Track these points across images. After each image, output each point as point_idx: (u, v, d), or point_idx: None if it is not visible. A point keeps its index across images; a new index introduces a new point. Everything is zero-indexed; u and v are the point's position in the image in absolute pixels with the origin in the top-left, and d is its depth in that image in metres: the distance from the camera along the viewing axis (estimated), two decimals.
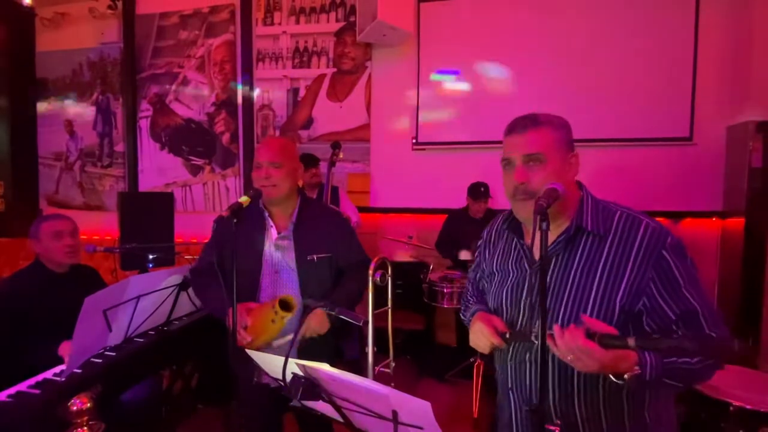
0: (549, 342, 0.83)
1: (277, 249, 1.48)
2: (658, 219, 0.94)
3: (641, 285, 0.87)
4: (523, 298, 0.99)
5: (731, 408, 1.56)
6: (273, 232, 1.49)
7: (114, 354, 1.63)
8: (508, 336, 0.97)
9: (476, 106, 3.59)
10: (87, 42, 4.35)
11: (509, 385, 1.03)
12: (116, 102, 4.33)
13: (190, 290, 1.87)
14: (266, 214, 1.50)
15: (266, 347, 1.41)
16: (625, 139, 3.32)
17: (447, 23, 3.62)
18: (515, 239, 1.05)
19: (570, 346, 0.79)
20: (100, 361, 1.56)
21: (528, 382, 0.98)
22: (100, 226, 4.25)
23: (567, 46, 3.38)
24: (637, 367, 0.81)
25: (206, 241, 1.63)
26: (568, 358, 0.80)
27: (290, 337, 1.38)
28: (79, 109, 4.42)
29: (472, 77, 3.59)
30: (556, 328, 0.82)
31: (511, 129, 0.99)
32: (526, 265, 1.00)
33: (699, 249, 3.22)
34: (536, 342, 0.90)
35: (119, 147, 4.34)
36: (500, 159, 1.01)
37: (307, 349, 1.46)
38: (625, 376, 0.81)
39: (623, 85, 3.30)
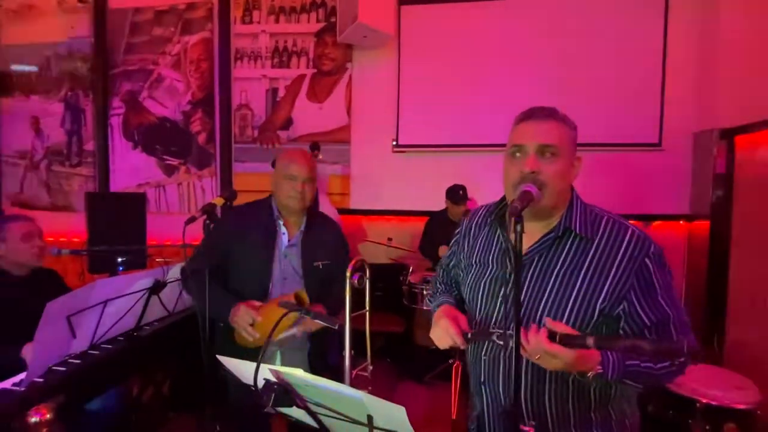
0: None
1: (285, 256, 1.53)
2: (629, 222, 0.96)
3: (623, 291, 0.89)
4: (501, 293, 0.98)
5: (698, 405, 1.62)
6: (284, 240, 1.54)
7: (79, 361, 1.56)
8: (469, 336, 0.96)
9: (456, 110, 3.62)
10: (55, 36, 4.17)
11: (482, 379, 1.02)
12: (86, 99, 4.17)
13: (162, 294, 1.81)
14: (281, 222, 1.55)
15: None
16: (598, 144, 3.41)
17: (428, 27, 3.64)
18: (499, 232, 1.03)
19: (535, 348, 0.81)
20: (64, 369, 1.49)
21: (501, 378, 0.98)
22: (68, 228, 4.08)
23: (543, 52, 3.46)
24: (599, 366, 0.83)
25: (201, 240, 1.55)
26: (536, 357, 0.82)
27: (294, 330, 1.42)
28: (46, 106, 4.23)
29: (452, 81, 3.62)
30: (522, 330, 0.83)
31: (528, 115, 0.96)
32: (508, 260, 0.98)
33: (667, 251, 3.29)
34: (497, 342, 0.91)
35: (89, 146, 4.17)
36: (509, 145, 0.97)
37: (315, 354, 1.55)
38: (589, 374, 0.84)
39: (596, 91, 3.40)
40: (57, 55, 4.19)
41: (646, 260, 0.90)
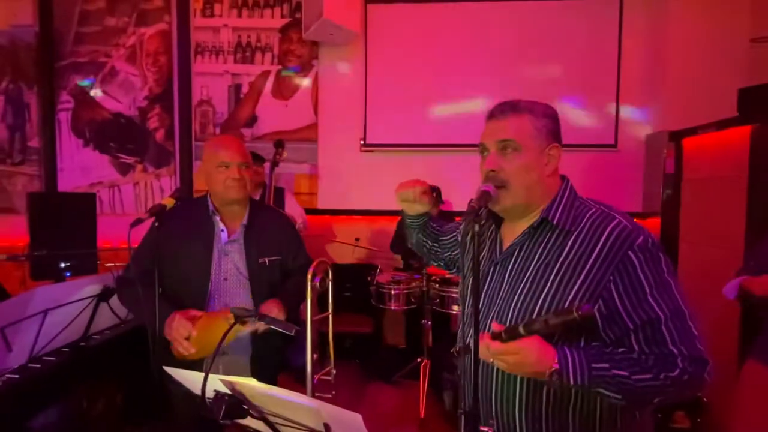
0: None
1: (225, 254, 1.42)
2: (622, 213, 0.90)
3: (598, 287, 0.81)
4: (484, 288, 0.94)
5: None
6: (223, 236, 1.43)
7: (16, 376, 1.43)
8: (456, 352, 0.94)
9: (425, 109, 3.63)
10: None
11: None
12: (30, 92, 3.87)
13: (112, 301, 1.70)
14: (217, 218, 1.43)
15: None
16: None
17: (395, 25, 3.63)
18: (494, 227, 1.00)
19: (483, 351, 0.79)
20: None
21: (476, 375, 0.96)
22: (10, 231, 3.77)
23: (509, 55, 3.54)
24: (556, 363, 0.76)
25: (136, 246, 1.47)
26: (490, 361, 0.80)
27: (242, 335, 1.32)
28: None
29: (420, 80, 3.63)
30: (480, 336, 0.80)
31: (490, 114, 0.95)
32: (496, 255, 0.96)
33: None
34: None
35: (33, 142, 3.88)
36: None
37: (258, 359, 1.43)
38: (547, 372, 0.76)
39: (559, 94, 3.51)
40: None
41: (630, 253, 0.80)
